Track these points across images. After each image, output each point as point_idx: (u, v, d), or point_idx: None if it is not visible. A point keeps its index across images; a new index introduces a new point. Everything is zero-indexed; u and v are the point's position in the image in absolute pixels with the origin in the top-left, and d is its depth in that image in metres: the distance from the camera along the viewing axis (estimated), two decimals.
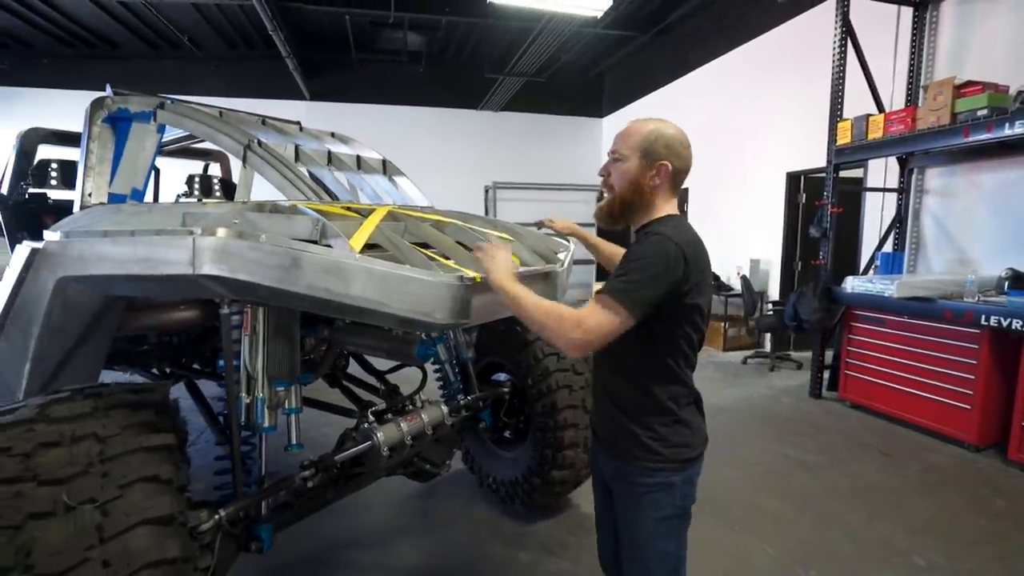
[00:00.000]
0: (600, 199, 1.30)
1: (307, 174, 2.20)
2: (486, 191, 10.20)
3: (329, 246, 1.44)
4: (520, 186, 10.20)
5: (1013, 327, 3.14)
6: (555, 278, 1.92)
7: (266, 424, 1.71)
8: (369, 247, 1.51)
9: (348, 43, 8.36)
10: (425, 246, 1.77)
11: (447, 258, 1.70)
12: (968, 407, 3.45)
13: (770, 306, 5.94)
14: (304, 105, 9.13)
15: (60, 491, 1.09)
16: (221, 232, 1.24)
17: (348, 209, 1.84)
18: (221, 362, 1.67)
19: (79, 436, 1.21)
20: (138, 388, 1.49)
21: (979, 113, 3.42)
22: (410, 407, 2.15)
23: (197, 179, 3.90)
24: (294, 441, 1.84)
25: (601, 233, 1.91)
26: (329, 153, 2.47)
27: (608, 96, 10.57)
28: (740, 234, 6.77)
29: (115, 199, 2.10)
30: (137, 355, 2.50)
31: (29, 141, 3.24)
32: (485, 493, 2.87)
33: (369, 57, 9.05)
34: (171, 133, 2.87)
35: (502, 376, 2.68)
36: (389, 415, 2.05)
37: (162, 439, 1.31)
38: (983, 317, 3.28)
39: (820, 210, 4.59)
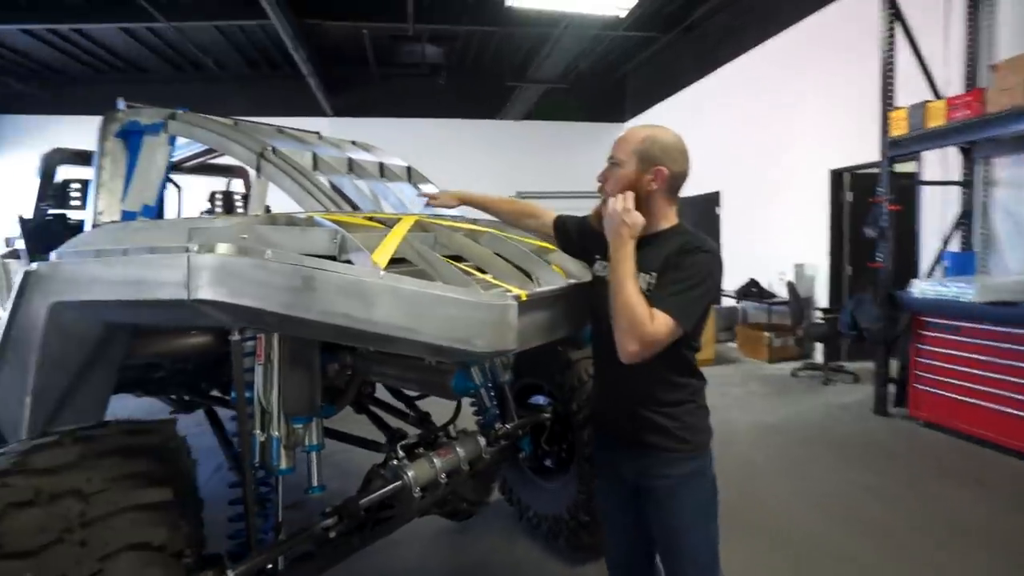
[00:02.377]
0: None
1: (327, 183, 2.02)
2: None
3: (349, 262, 1.24)
4: (546, 195, 10.00)
5: None
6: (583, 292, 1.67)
7: (283, 466, 1.50)
8: (395, 262, 1.30)
9: (368, 58, 8.34)
10: (458, 259, 1.55)
11: (484, 272, 1.48)
12: None
13: (819, 314, 5.52)
14: (327, 121, 9.14)
15: (25, 568, 0.89)
16: (221, 248, 1.04)
17: (371, 219, 1.64)
18: (234, 394, 1.47)
19: (58, 493, 1.02)
20: (137, 429, 1.31)
21: None
22: (443, 439, 1.92)
23: (219, 195, 3.80)
24: (315, 483, 1.64)
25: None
26: (350, 160, 2.29)
27: (631, 99, 10.33)
28: (781, 238, 6.39)
29: (128, 217, 1.97)
30: (152, 382, 2.35)
31: (49, 162, 3.20)
32: (526, 527, 2.61)
33: (390, 71, 9.04)
34: (188, 149, 2.77)
35: (541, 399, 2.44)
36: (420, 449, 1.83)
37: (158, 495, 1.11)
38: None
39: (875, 208, 4.23)
